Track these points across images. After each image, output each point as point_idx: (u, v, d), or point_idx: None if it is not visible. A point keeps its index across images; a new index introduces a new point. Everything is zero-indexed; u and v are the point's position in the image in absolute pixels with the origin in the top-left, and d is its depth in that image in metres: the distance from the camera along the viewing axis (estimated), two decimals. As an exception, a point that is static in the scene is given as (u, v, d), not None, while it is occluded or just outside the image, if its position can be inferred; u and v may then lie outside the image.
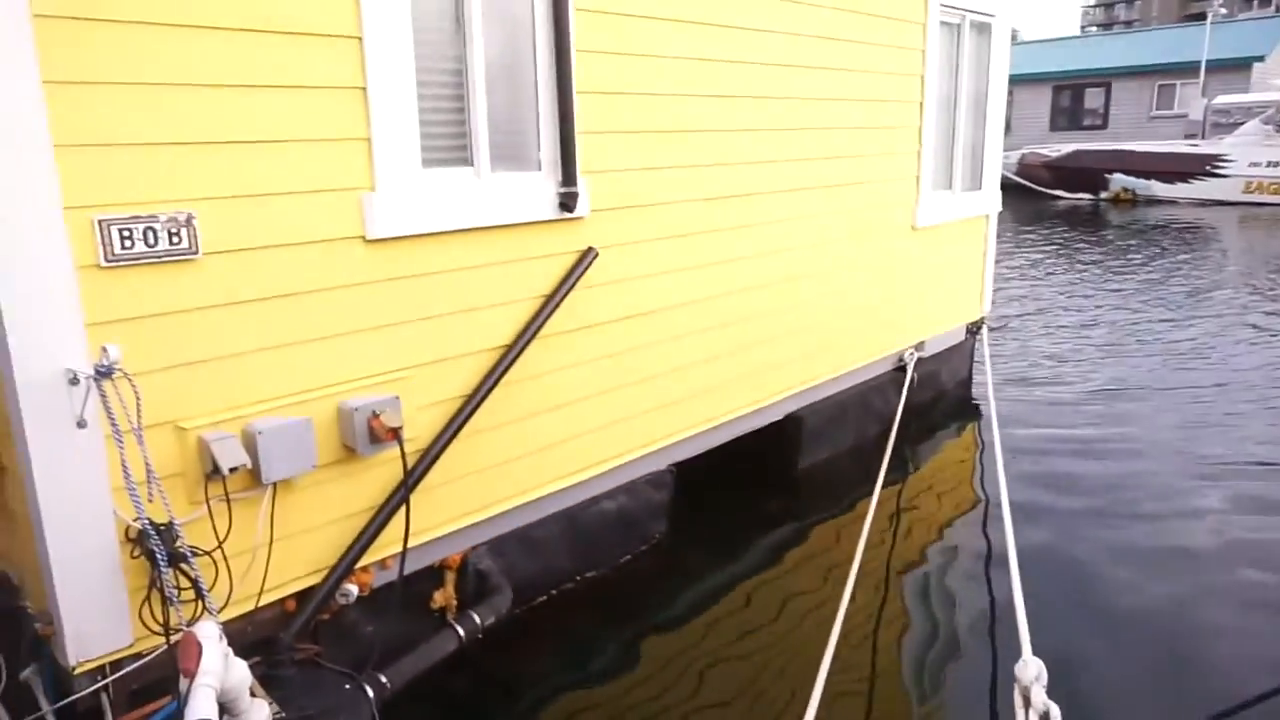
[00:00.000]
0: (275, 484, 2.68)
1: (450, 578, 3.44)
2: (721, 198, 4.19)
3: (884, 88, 5.11)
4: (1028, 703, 2.41)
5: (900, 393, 5.49)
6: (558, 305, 3.39)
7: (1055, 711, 2.33)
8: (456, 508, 3.34)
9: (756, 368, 4.61)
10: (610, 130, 3.58)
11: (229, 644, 2.22)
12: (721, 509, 4.70)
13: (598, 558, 3.99)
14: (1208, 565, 4.08)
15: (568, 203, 3.35)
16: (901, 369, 5.76)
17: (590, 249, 3.51)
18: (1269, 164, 19.43)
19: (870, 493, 4.38)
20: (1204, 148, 20.70)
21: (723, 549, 4.29)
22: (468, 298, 3.19)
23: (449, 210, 3.06)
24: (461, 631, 3.30)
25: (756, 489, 4.93)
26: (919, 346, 5.94)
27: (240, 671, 2.17)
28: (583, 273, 3.46)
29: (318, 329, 2.80)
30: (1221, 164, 19.90)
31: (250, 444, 2.57)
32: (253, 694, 2.31)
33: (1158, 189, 20.66)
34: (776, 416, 4.89)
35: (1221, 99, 23.20)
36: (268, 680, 2.60)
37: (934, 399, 6.25)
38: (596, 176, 3.54)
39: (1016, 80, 25.60)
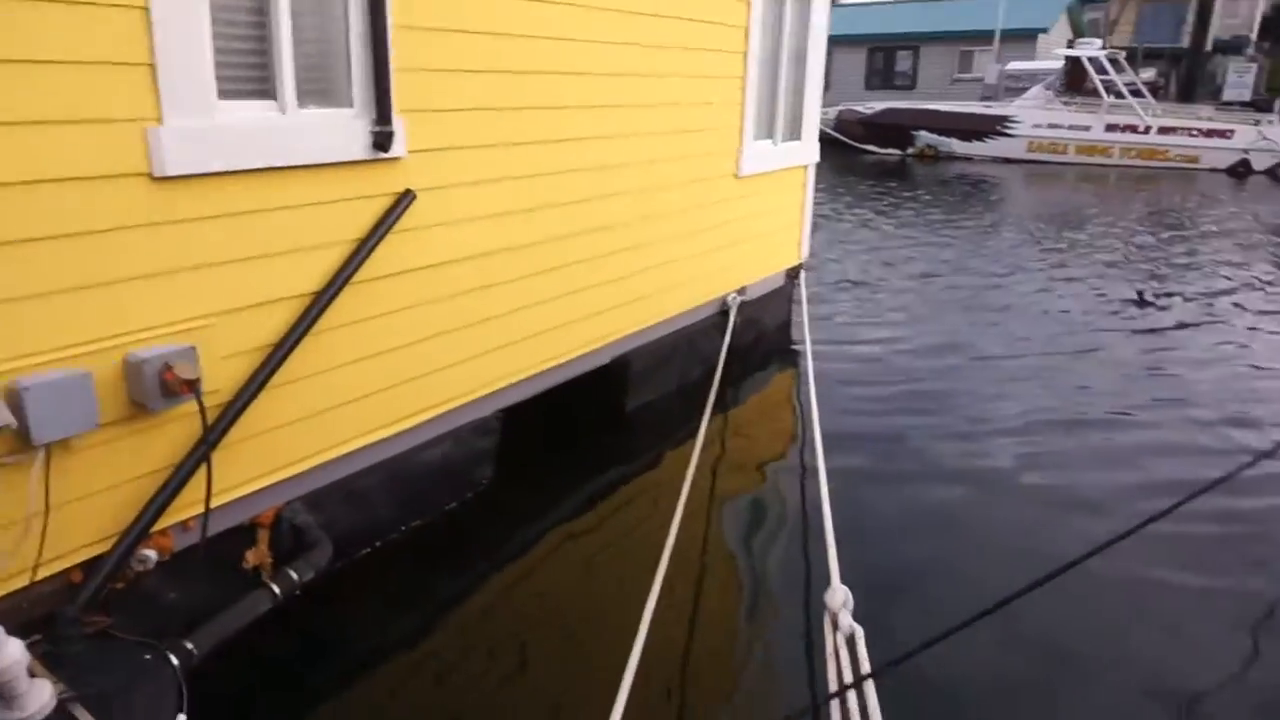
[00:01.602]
0: (49, 446, 2.43)
1: (264, 535, 3.28)
2: (549, 142, 4.12)
3: (710, 37, 5.17)
4: (836, 626, 2.60)
5: (724, 336, 5.68)
6: (372, 250, 3.24)
7: (859, 633, 2.52)
8: (267, 462, 3.17)
9: (584, 312, 4.62)
10: (432, 68, 3.42)
11: (0, 623, 2.02)
12: (550, 453, 4.74)
13: (422, 507, 3.93)
14: (1004, 493, 4.52)
15: (382, 142, 3.18)
16: (725, 313, 5.96)
17: (408, 191, 3.36)
18: (1050, 126, 21.34)
19: (695, 432, 4.54)
20: (996, 109, 22.44)
21: (552, 491, 4.33)
22: (273, 242, 2.99)
23: (249, 147, 2.84)
24: (277, 590, 3.15)
25: (585, 432, 4.99)
26: (742, 291, 6.16)
27: (14, 652, 1.98)
28: (399, 216, 3.32)
29: (99, 274, 2.54)
30: (1010, 125, 21.67)
31: (15, 402, 2.31)
32: (33, 674, 2.12)
33: (957, 146, 22.25)
34: (604, 360, 4.94)
35: (1012, 65, 25.20)
36: (52, 658, 2.39)
37: (755, 341, 6.52)
38: (416, 116, 3.38)
39: (835, 40, 26.56)
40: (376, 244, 3.25)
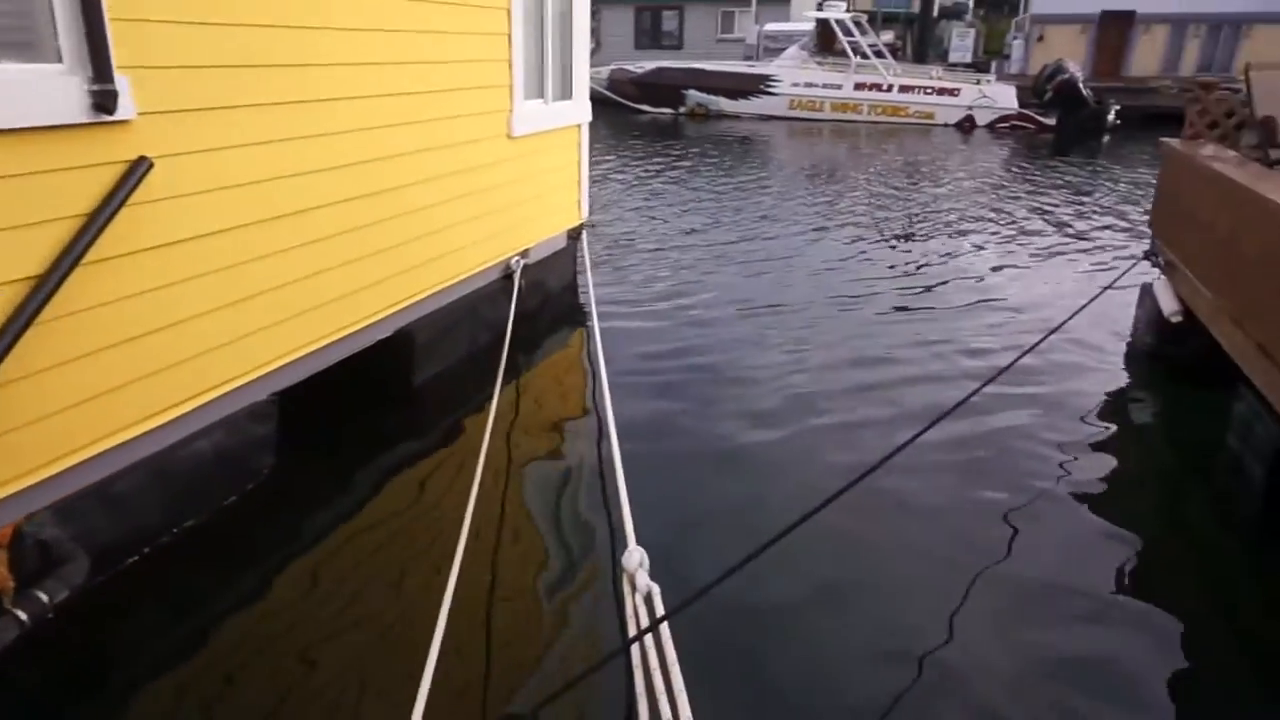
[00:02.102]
0: None
1: (0, 556, 2.90)
2: (305, 102, 3.85)
3: (470, -9, 5.03)
4: (634, 587, 2.68)
5: (509, 301, 5.63)
6: (105, 226, 2.90)
7: (656, 591, 2.61)
8: (-3, 473, 2.79)
9: (359, 284, 4.41)
10: (158, 18, 3.07)
11: None
12: (337, 434, 4.51)
13: (195, 505, 3.62)
14: (784, 434, 4.83)
15: (104, 103, 2.83)
16: (509, 277, 5.90)
17: (142, 159, 3.02)
18: (806, 84, 22.74)
19: (488, 400, 4.49)
20: (758, 69, 23.59)
21: (341, 474, 4.13)
22: (-25, 219, 2.60)
23: (-69, 109, 2.44)
24: (24, 615, 2.82)
25: (372, 409, 4.79)
26: (524, 254, 6.12)
27: None
28: (134, 187, 2.98)
29: None
30: (772, 83, 22.86)
31: None
32: None
33: (724, 104, 23.20)
34: (386, 333, 4.75)
35: (770, 26, 26.53)
36: None
37: (542, 304, 6.52)
38: (144, 73, 3.03)
39: (602, 0, 26.76)
40: (110, 219, 2.91)
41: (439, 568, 2.99)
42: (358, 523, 3.77)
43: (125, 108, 2.93)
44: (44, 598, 2.88)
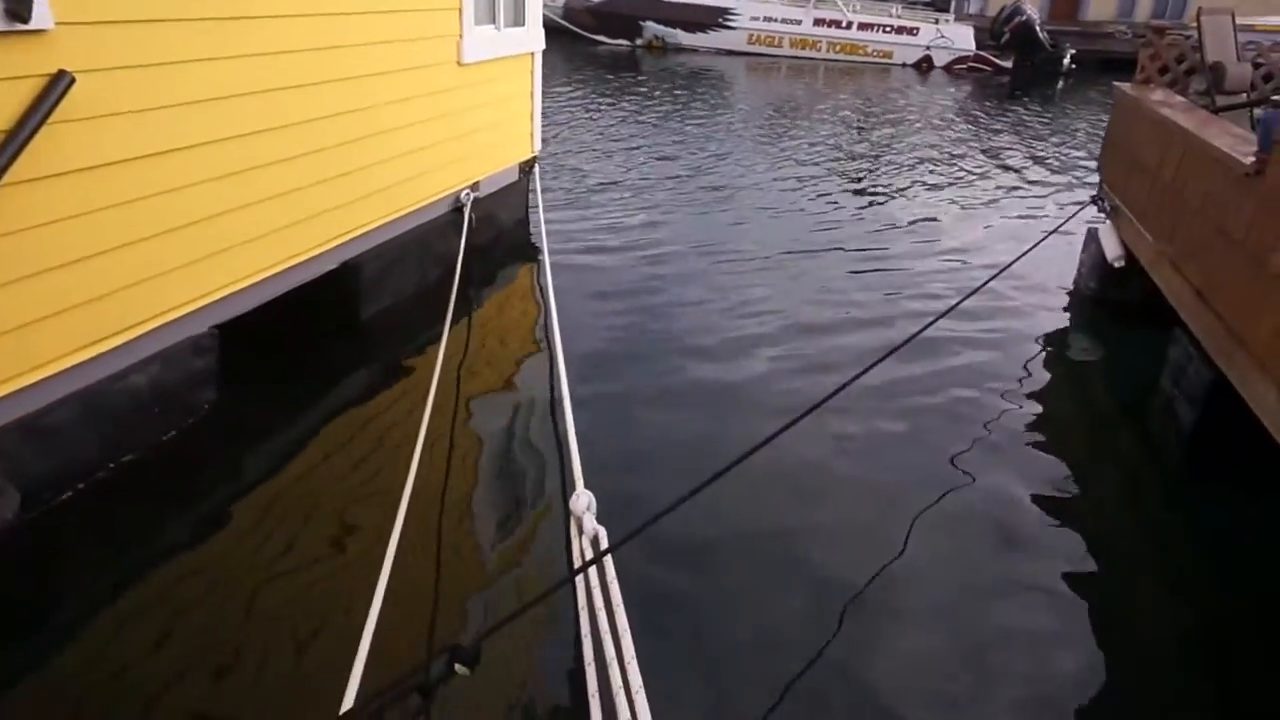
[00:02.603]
0: None
1: (-75, 491, 2.80)
2: (244, 18, 3.66)
3: (415, -94, 4.79)
4: (581, 530, 2.68)
5: (460, 234, 5.51)
6: (23, 145, 2.73)
7: (603, 533, 2.61)
8: (-83, 405, 2.67)
9: (304, 213, 4.27)
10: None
11: None
12: (282, 368, 4.40)
13: (132, 439, 3.53)
14: (733, 372, 4.85)
15: (18, 10, 2.64)
16: (459, 210, 5.77)
17: (62, 73, 2.84)
18: (765, 19, 22.36)
19: (438, 336, 4.42)
20: (717, 1, 23.09)
21: (287, 408, 4.05)
22: (-118, 135, 2.43)
23: None
24: (-48, 551, 2.74)
25: (319, 344, 4.68)
26: (475, 187, 5.97)
27: None
28: (55, 103, 2.81)
29: None
30: (731, 17, 22.43)
31: None
32: None
33: (683, 38, 22.73)
34: (332, 265, 4.63)
35: (729, -44, 25.85)
36: None
37: (494, 239, 6.40)
38: (63, -20, 2.84)
39: (558, -78, 25.80)
40: (29, 137, 2.75)
41: (385, 504, 2.96)
42: (303, 458, 3.71)
43: (41, 16, 2.74)
44: (-27, 533, 2.80)
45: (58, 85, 2.81)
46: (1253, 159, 3.81)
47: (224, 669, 2.61)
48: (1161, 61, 6.28)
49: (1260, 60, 6.20)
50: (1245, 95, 5.87)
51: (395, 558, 2.59)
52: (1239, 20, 6.11)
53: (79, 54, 2.94)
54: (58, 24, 2.83)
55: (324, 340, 4.72)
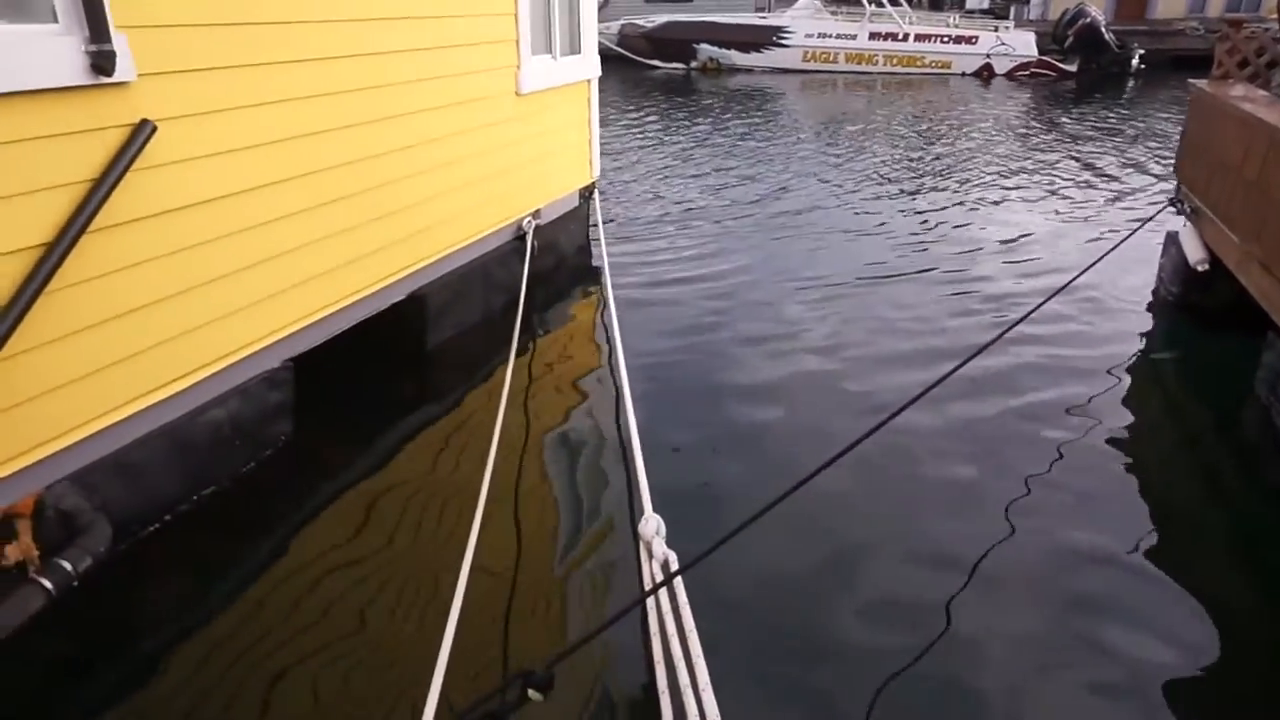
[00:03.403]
0: None
1: (24, 526, 2.91)
2: (312, 60, 3.79)
3: (472, -56, 4.91)
4: (651, 554, 2.66)
5: (523, 262, 5.58)
6: (111, 191, 2.86)
7: (673, 557, 2.58)
8: (15, 443, 2.80)
9: (372, 247, 4.37)
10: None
11: None
12: (353, 400, 4.50)
13: (214, 472, 3.63)
14: (805, 401, 4.78)
15: (103, 64, 2.78)
16: (521, 238, 5.84)
17: (145, 122, 2.97)
18: (820, 35, 22.26)
19: (503, 364, 4.46)
20: (771, 20, 23.10)
21: (358, 440, 4.13)
22: (-20, 188, 2.57)
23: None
24: (49, 584, 2.84)
25: (387, 374, 4.78)
26: (536, 214, 6.04)
27: None
28: (139, 150, 2.94)
29: None
30: (785, 35, 22.40)
31: None
32: None
33: (737, 58, 22.77)
34: (399, 296, 4.72)
35: (781, -25, 25.88)
36: None
37: (556, 265, 6.46)
38: (142, 32, 2.96)
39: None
40: (115, 184, 2.88)
41: (457, 532, 2.99)
42: (376, 487, 3.77)
43: (124, 69, 2.87)
44: (68, 566, 2.90)
45: (140, 134, 2.94)
46: (1346, 152, 3.62)
47: (302, 694, 2.65)
48: (1240, 55, 6.03)
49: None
50: (1334, 87, 5.59)
51: (468, 584, 2.60)
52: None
53: (159, 103, 3.07)
54: (140, 75, 2.96)
55: (393, 370, 4.81)
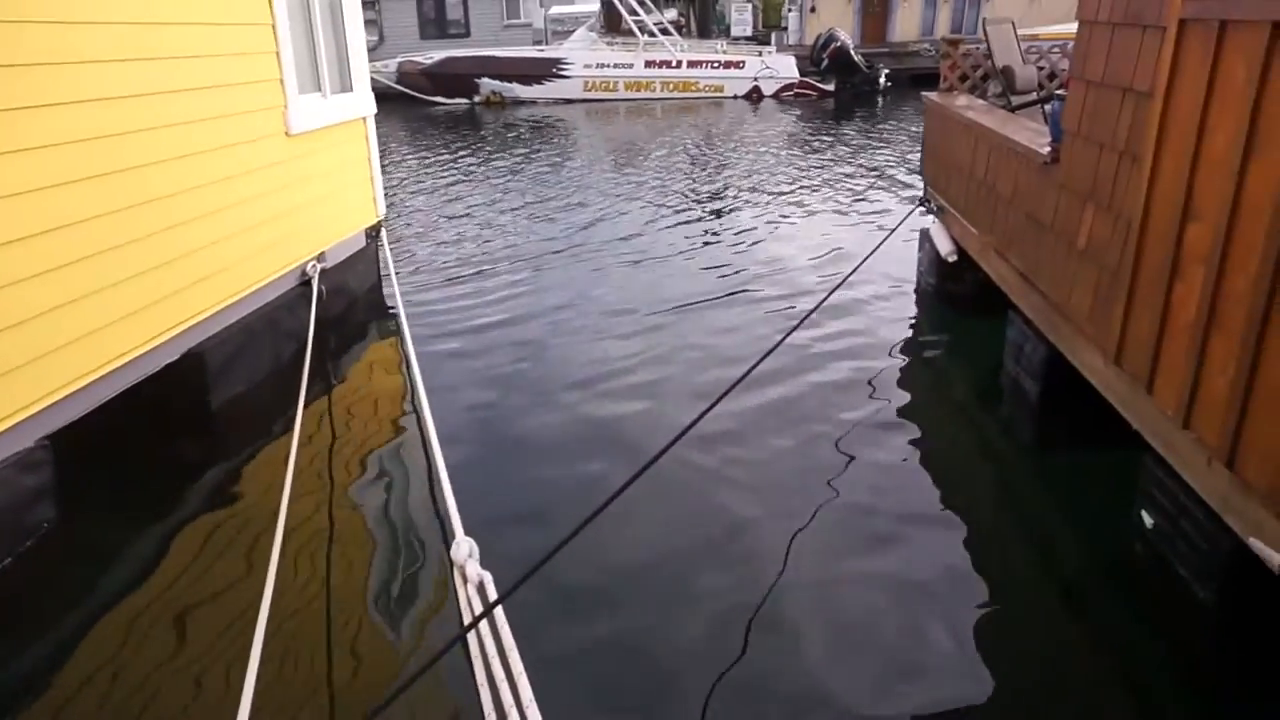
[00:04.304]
0: None
1: None
2: (64, 104, 3.49)
3: (221, -20, 4.66)
4: (465, 578, 2.60)
5: (309, 308, 5.32)
6: None
7: (489, 579, 2.54)
8: None
9: (134, 305, 4.02)
10: None
11: None
12: (129, 473, 4.10)
13: (-40, 574, 3.19)
14: (603, 413, 4.85)
15: None
16: (307, 283, 5.58)
17: None
18: (599, 65, 22.90)
19: (295, 417, 4.22)
20: (549, 52, 23.50)
21: (139, 515, 3.76)
22: None
23: None
24: None
25: (167, 440, 4.39)
26: (320, 258, 5.79)
27: None
28: None
29: None
30: (564, 67, 22.85)
31: None
32: None
33: (520, 90, 22.96)
34: (173, 356, 4.37)
35: (555, 9, 26.48)
36: None
37: (347, 308, 6.21)
38: None
39: (382, -10, 25.83)
40: None
41: (254, 599, 2.78)
42: (161, 571, 3.43)
43: None
44: None
45: None
46: (1049, 149, 4.17)
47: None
48: (960, 70, 6.80)
49: (1042, 63, 6.81)
50: (1035, 93, 6.42)
51: (274, 664, 2.43)
52: (1023, 30, 6.71)
53: None
54: None
55: (172, 438, 4.43)
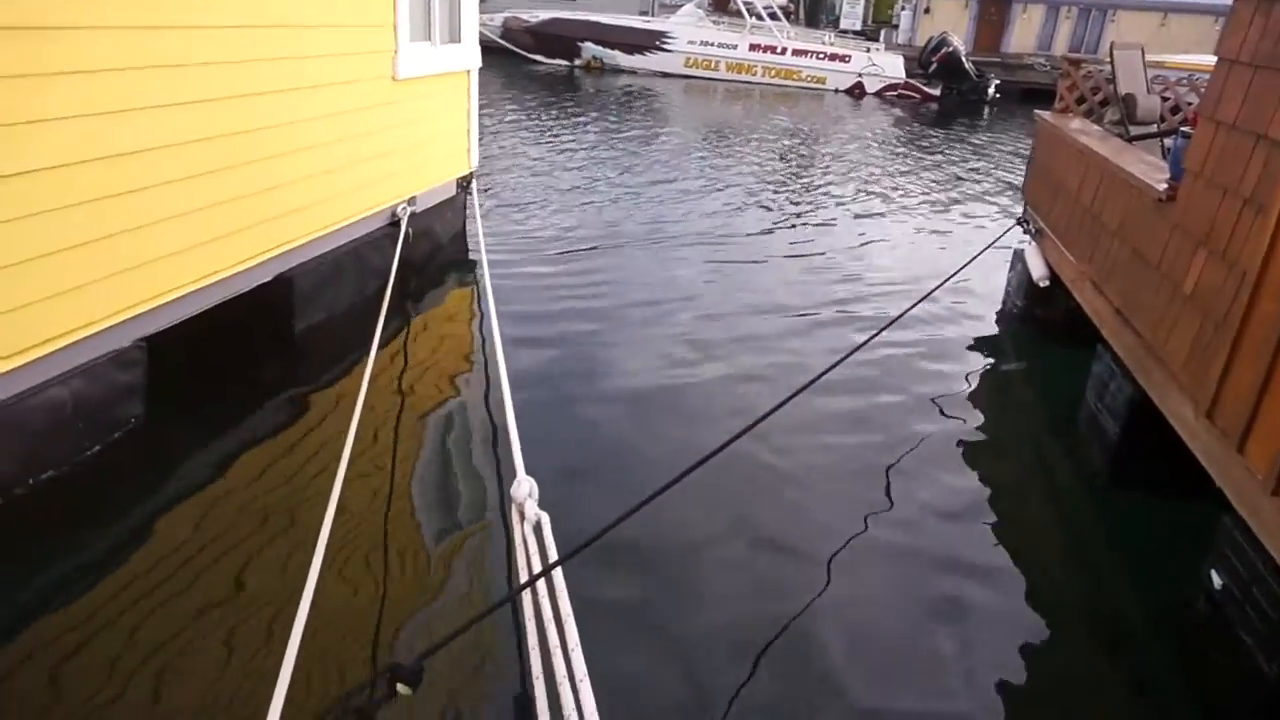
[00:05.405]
0: None
1: None
2: (188, 27, 3.62)
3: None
4: (523, 516, 2.66)
5: (395, 248, 5.44)
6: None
7: (545, 520, 2.59)
8: None
9: (235, 226, 4.16)
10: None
11: None
12: (212, 383, 4.27)
13: (52, 455, 3.37)
14: (679, 381, 4.87)
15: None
16: (396, 224, 5.70)
17: (-17, 75, 2.74)
18: (702, 43, 22.70)
19: (372, 348, 4.34)
20: (654, 24, 23.37)
21: (216, 424, 3.92)
22: None
23: None
24: None
25: (251, 358, 4.56)
26: (411, 201, 5.91)
27: None
28: (-24, 105, 2.70)
29: None
30: (668, 40, 22.72)
31: None
32: None
33: (621, 59, 22.92)
34: (265, 278, 4.51)
35: (665, -19, 26.25)
36: None
37: (431, 253, 6.33)
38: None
39: (496, -58, 25.87)
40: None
41: (315, 521, 2.89)
42: (233, 475, 3.60)
43: (-37, 17, 2.64)
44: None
45: (-23, 86, 2.70)
46: (1165, 186, 4.01)
47: (142, 689, 2.50)
48: (1078, 92, 6.57)
49: (1167, 94, 6.54)
50: (1156, 126, 6.18)
51: (333, 574, 2.53)
52: (1148, 57, 6.44)
53: (17, 60, 2.83)
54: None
55: (256, 355, 4.60)
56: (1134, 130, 5.97)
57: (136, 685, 2.52)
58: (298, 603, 2.33)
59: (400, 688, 2.05)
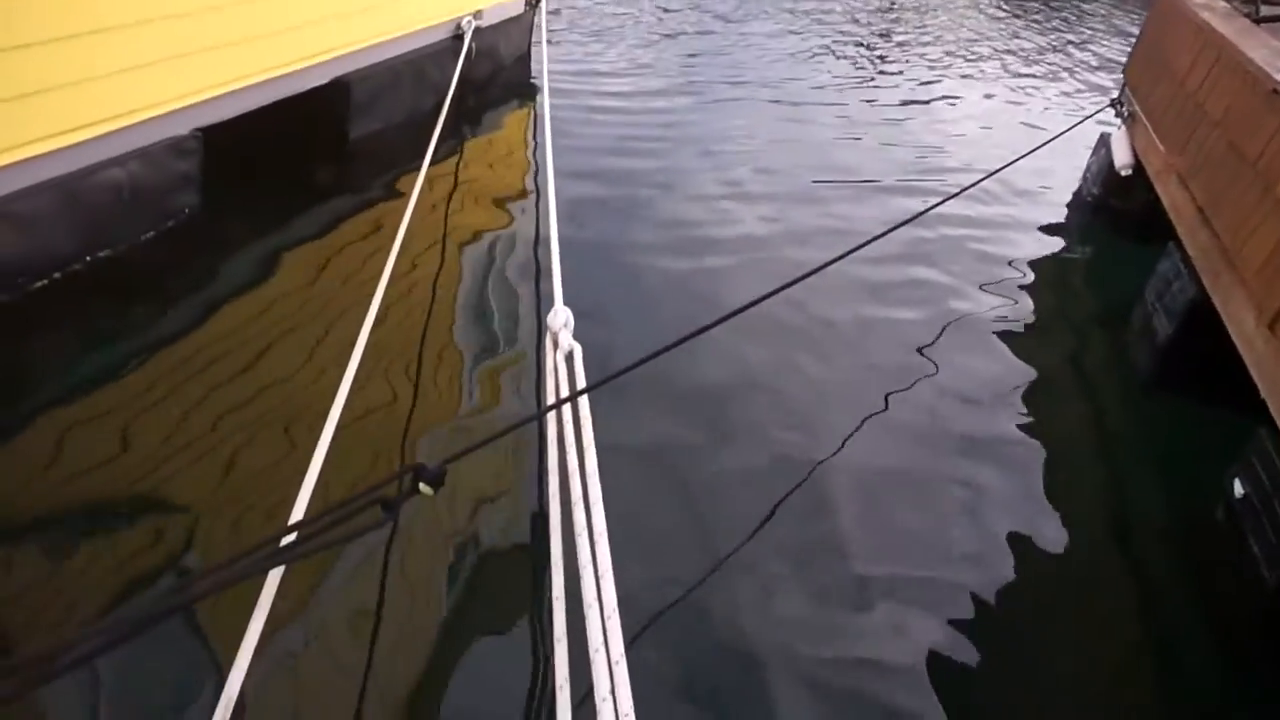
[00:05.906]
0: None
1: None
2: None
3: None
4: (557, 345, 2.69)
5: (457, 62, 5.29)
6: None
7: (578, 350, 2.61)
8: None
9: (296, 21, 4.07)
10: None
11: None
12: (265, 179, 4.30)
13: (108, 235, 3.47)
14: (726, 227, 4.79)
15: None
16: (459, 38, 5.51)
17: None
18: None
19: (423, 162, 4.31)
20: None
21: (267, 220, 3.99)
22: None
23: None
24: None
25: (305, 159, 4.56)
26: (477, 15, 5.69)
27: None
28: None
29: None
30: None
31: None
32: None
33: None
34: (322, 80, 4.45)
35: None
36: None
37: (493, 73, 6.15)
38: None
39: None
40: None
41: (356, 319, 2.96)
42: (280, 273, 3.68)
43: None
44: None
45: None
46: (1282, 75, 3.69)
47: (180, 468, 2.66)
48: (1211, -38, 5.95)
49: (1312, -27, 5.90)
50: (1290, 9, 5.61)
51: (368, 379, 2.62)
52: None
53: None
54: None
55: (310, 158, 4.60)
56: (1265, 11, 5.44)
57: (168, 457, 2.68)
58: (333, 398, 2.43)
59: (423, 487, 2.15)
